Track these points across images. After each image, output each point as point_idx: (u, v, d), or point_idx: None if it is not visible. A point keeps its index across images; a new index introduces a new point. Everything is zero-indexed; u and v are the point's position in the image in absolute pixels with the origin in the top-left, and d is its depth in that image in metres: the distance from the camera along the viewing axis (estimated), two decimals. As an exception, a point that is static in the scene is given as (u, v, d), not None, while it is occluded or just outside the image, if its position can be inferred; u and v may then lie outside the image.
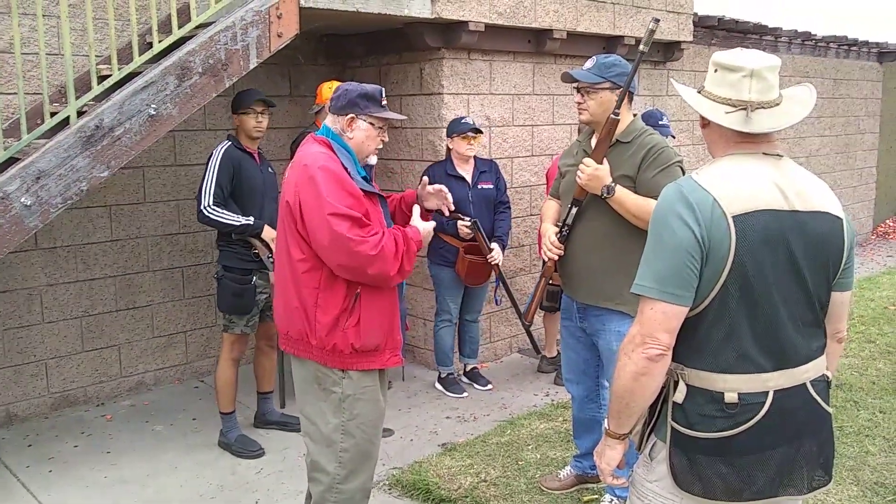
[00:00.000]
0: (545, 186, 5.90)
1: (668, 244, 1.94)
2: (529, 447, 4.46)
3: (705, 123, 2.09)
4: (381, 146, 3.02)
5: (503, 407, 5.18)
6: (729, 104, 2.01)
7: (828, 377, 2.07)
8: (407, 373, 5.79)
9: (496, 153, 5.96)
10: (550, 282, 3.71)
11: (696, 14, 7.45)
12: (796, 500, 2.09)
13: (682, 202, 1.94)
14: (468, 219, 4.98)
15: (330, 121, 2.98)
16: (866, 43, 10.65)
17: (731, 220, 1.91)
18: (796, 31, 9.26)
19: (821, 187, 2.05)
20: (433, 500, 3.90)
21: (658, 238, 1.97)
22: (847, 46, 10.42)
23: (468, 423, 4.93)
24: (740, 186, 1.95)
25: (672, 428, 2.03)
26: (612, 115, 3.21)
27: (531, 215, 6.25)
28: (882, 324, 6.84)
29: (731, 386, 1.96)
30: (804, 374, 2.00)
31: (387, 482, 4.09)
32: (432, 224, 3.09)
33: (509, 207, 5.41)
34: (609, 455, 2.14)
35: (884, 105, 11.66)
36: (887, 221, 12.50)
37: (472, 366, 5.65)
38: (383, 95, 2.99)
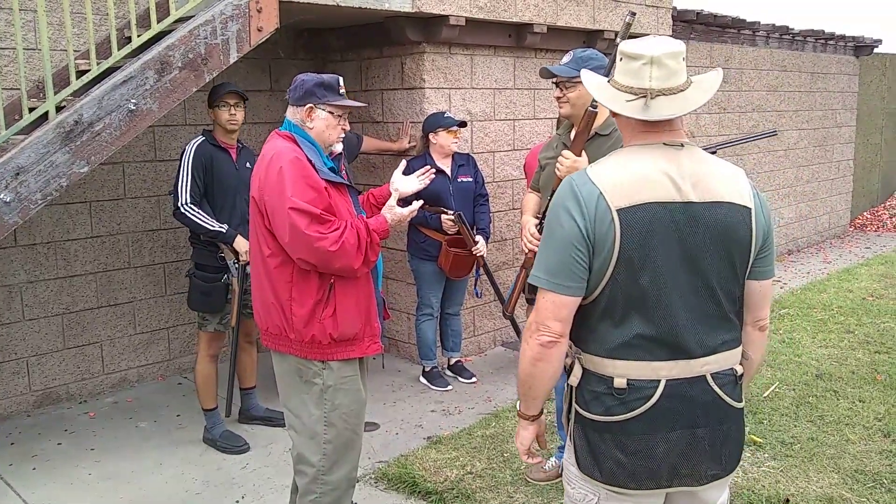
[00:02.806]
0: (525, 180, 5.92)
1: (556, 237, 2.00)
2: (514, 439, 4.47)
3: (615, 114, 2.08)
4: (342, 135, 3.04)
5: (488, 400, 5.20)
6: (630, 92, 2.01)
7: (736, 371, 2.07)
8: (391, 367, 5.79)
9: (478, 147, 5.98)
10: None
11: (674, 8, 7.50)
12: (703, 491, 2.10)
13: (571, 196, 1.99)
14: (451, 212, 5.02)
15: (290, 113, 3.00)
16: (843, 37, 10.74)
17: (615, 214, 1.93)
18: (774, 25, 9.33)
19: (726, 177, 2.03)
20: (419, 492, 3.91)
21: (549, 231, 2.03)
22: (824, 41, 10.51)
23: (453, 416, 4.94)
24: (628, 179, 1.96)
25: (575, 409, 2.10)
26: (589, 108, 3.23)
27: (513, 209, 6.27)
28: (860, 314, 6.92)
29: (621, 371, 2.00)
30: (703, 366, 2.01)
31: (373, 476, 4.10)
32: (408, 209, 3.07)
33: (488, 200, 5.45)
34: (522, 435, 2.24)
35: (860, 99, 11.78)
36: (864, 213, 12.65)
37: (456, 359, 5.66)
38: (341, 84, 3.01)
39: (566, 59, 3.45)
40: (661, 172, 1.97)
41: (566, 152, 3.28)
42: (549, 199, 3.38)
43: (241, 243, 4.25)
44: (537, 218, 3.52)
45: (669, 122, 2.02)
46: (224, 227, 4.26)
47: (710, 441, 2.03)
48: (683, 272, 1.97)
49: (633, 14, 3.01)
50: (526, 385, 2.11)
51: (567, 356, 2.14)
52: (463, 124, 5.21)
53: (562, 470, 2.28)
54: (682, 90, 2.00)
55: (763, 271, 2.09)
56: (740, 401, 2.09)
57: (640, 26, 6.85)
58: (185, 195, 4.24)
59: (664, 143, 2.02)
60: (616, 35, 6.79)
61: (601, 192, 1.95)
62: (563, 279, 1.98)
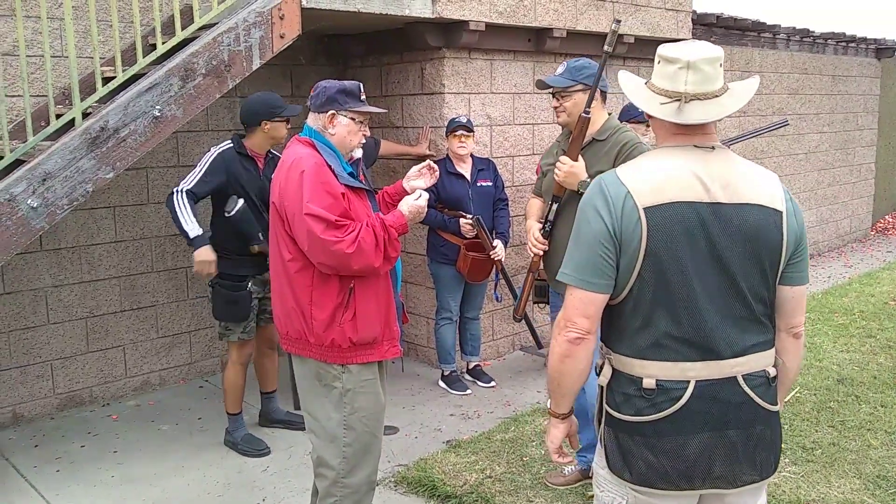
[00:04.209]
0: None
1: (584, 235, 2.03)
2: (534, 443, 4.48)
3: (650, 115, 2.11)
4: (363, 141, 3.06)
5: (507, 404, 5.21)
6: (665, 95, 2.03)
7: (769, 374, 2.06)
8: (410, 371, 5.82)
9: (497, 152, 5.99)
10: (538, 277, 3.77)
11: (694, 12, 7.49)
12: (737, 496, 2.09)
13: (600, 195, 2.02)
14: (470, 216, 5.05)
15: (311, 119, 3.02)
16: (864, 39, 10.68)
17: (642, 212, 1.95)
18: (794, 27, 9.29)
19: (759, 180, 2.04)
20: (439, 496, 3.93)
21: (578, 229, 2.06)
22: (845, 43, 10.45)
23: (472, 420, 4.96)
24: (656, 179, 1.99)
25: (605, 410, 2.11)
26: (582, 114, 3.29)
27: (532, 213, 6.27)
28: (882, 319, 6.87)
29: (650, 372, 2.01)
30: (734, 367, 2.00)
31: (392, 479, 4.12)
32: (424, 198, 3.06)
33: (507, 204, 5.46)
34: (553, 433, 2.24)
35: (882, 101, 11.69)
36: (886, 217, 12.54)
37: (475, 363, 5.67)
38: (362, 90, 3.04)
39: (560, 69, 3.55)
40: (689, 173, 1.99)
41: (563, 157, 3.36)
42: (551, 204, 3.44)
43: (202, 254, 4.08)
44: (540, 222, 3.56)
45: (702, 126, 2.04)
46: (197, 232, 4.10)
47: (742, 443, 2.03)
48: (711, 272, 1.98)
49: (619, 21, 3.05)
50: (555, 382, 2.13)
51: (599, 357, 2.15)
52: (468, 129, 5.20)
53: (591, 473, 2.29)
54: (716, 96, 2.02)
55: (795, 277, 2.08)
56: (774, 404, 2.08)
57: (660, 30, 6.85)
58: (186, 184, 4.18)
59: (695, 146, 2.04)
60: (636, 39, 6.79)
61: (629, 191, 1.97)
62: (590, 276, 2.00)
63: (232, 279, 4.35)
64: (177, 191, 4.18)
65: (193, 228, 4.12)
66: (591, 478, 3.93)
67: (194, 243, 4.12)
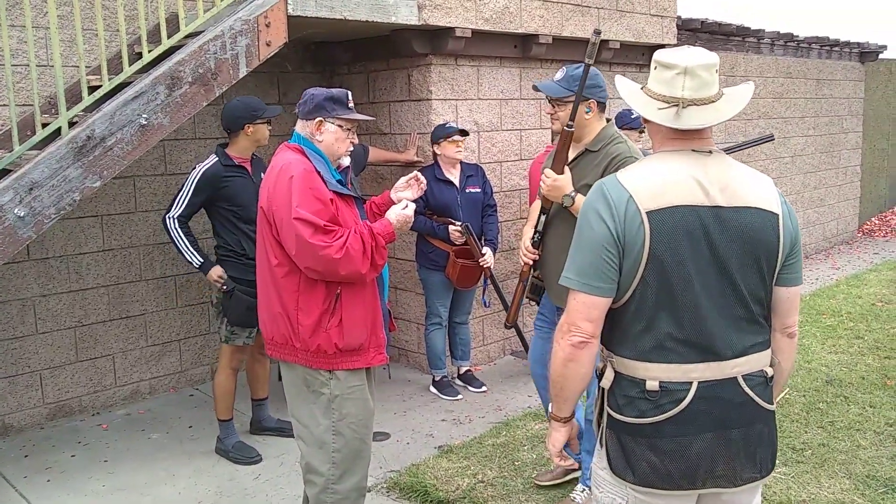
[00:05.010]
0: (529, 189, 5.94)
1: (586, 239, 2.04)
2: (525, 448, 4.49)
3: (647, 120, 2.13)
4: (351, 148, 3.08)
5: (498, 408, 5.22)
6: (663, 100, 2.06)
7: (766, 373, 2.09)
8: (401, 377, 5.82)
9: (485, 158, 6.01)
10: (537, 276, 3.77)
11: (679, 17, 7.53)
12: (736, 495, 2.11)
13: (602, 199, 2.04)
14: (459, 223, 5.06)
15: (299, 126, 3.04)
16: (848, 43, 10.76)
17: (644, 216, 1.97)
18: (778, 32, 9.35)
19: (755, 184, 2.07)
20: (431, 501, 3.92)
21: (580, 233, 2.07)
22: (829, 47, 10.53)
23: (463, 425, 4.96)
24: (657, 183, 2.01)
25: (607, 413, 2.12)
26: (565, 128, 3.27)
27: (521, 219, 6.29)
28: (870, 320, 6.92)
29: (653, 374, 2.03)
30: (734, 367, 2.03)
31: (384, 485, 4.12)
32: (411, 208, 3.09)
33: (496, 210, 5.47)
34: (555, 437, 2.26)
35: (866, 104, 11.79)
36: (873, 219, 12.63)
37: (466, 368, 5.67)
38: (349, 98, 3.06)
39: (558, 75, 3.46)
40: (689, 177, 2.01)
41: (547, 171, 3.32)
42: (539, 215, 3.44)
43: (213, 274, 4.33)
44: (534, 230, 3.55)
45: (699, 131, 2.07)
46: (201, 260, 4.31)
47: (744, 442, 2.06)
48: (712, 275, 2.00)
49: (598, 33, 3.04)
50: (558, 386, 2.14)
51: (600, 360, 2.16)
52: (464, 133, 5.23)
53: (589, 473, 2.30)
54: (713, 101, 2.05)
55: (791, 278, 2.11)
56: (771, 403, 2.11)
57: (645, 36, 6.89)
58: (177, 209, 4.28)
59: (693, 150, 2.07)
60: (622, 45, 6.83)
61: (631, 196, 1.99)
62: (593, 280, 2.01)
63: (246, 283, 4.33)
64: (169, 218, 4.29)
65: (196, 258, 4.32)
66: (576, 469, 3.95)
67: (203, 269, 4.35)
